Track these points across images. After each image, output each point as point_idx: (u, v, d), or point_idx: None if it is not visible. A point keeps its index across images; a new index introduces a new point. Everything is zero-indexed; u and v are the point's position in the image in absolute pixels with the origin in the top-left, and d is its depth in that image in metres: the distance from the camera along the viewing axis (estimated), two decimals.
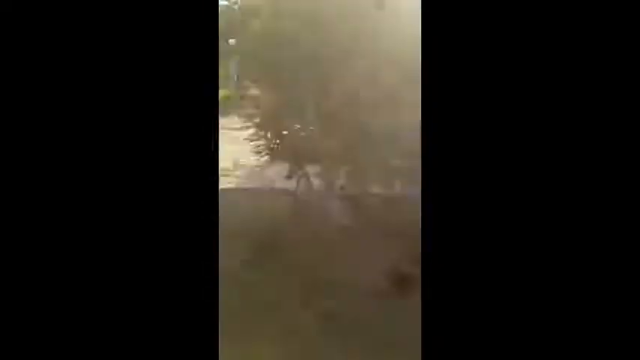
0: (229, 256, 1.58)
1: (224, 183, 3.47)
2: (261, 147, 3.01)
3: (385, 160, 2.66)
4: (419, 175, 0.82)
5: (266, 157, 3.07)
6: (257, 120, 2.96)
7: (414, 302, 1.18)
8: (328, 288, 2.15)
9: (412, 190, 2.26)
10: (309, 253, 2.55)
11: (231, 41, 2.74)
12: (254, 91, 2.98)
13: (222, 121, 4.79)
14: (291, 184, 3.16)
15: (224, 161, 3.73)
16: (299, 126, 2.93)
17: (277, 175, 3.31)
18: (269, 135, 3.00)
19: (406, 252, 1.96)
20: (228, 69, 3.04)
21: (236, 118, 2.70)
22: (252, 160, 3.25)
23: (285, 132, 2.97)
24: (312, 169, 3.01)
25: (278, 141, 2.99)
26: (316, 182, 3.02)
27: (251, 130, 2.99)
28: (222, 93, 2.69)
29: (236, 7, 2.60)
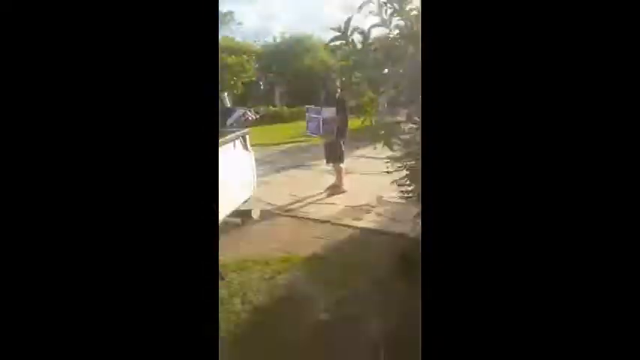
0: None
1: (365, 221, 3.42)
2: (412, 194, 2.51)
3: None
4: None
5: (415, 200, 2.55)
6: (411, 162, 2.44)
7: None
8: None
9: None
10: None
11: (386, 71, 2.36)
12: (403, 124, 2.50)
13: (365, 150, 5.23)
14: None
15: (366, 196, 3.97)
16: None
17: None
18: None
19: None
20: (377, 97, 2.70)
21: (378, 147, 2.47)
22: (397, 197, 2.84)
23: None
24: None
25: None
26: None
27: (402, 173, 2.53)
28: (363, 121, 2.55)
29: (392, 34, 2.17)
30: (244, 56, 14.35)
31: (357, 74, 2.52)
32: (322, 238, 3.18)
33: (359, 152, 6.43)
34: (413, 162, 2.38)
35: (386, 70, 2.38)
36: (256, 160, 6.65)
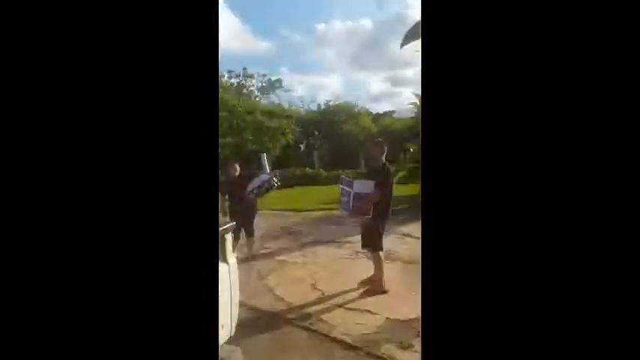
0: None
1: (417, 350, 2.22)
2: None
3: None
4: None
5: None
6: None
7: None
8: None
9: None
10: None
11: None
12: None
13: (412, 227, 4.15)
14: None
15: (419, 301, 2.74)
16: None
17: None
18: None
19: None
20: None
21: None
22: None
23: None
24: None
25: None
26: None
27: None
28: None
29: None
30: (284, 120, 14.46)
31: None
32: None
33: (405, 229, 5.19)
34: None
35: None
36: (280, 229, 5.98)
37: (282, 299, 3.04)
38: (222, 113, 12.18)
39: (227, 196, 3.92)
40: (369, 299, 3.00)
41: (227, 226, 1.84)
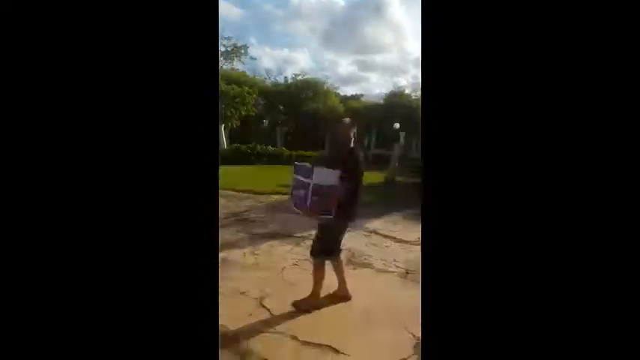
0: None
1: None
2: None
3: None
4: None
5: None
6: None
7: None
8: None
9: None
10: None
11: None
12: None
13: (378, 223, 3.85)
14: None
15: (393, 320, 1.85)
16: None
17: None
18: None
19: None
20: None
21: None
22: None
23: None
24: None
25: None
26: None
27: None
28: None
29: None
30: (246, 88, 13.02)
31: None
32: None
33: (371, 226, 4.49)
34: None
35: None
36: (230, 215, 4.58)
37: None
38: None
39: None
40: (338, 308, 2.22)
41: None
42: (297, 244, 3.66)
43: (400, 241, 4.06)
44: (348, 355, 1.86)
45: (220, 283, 2.65)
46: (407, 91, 22.07)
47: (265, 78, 21.81)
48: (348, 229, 2.36)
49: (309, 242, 3.52)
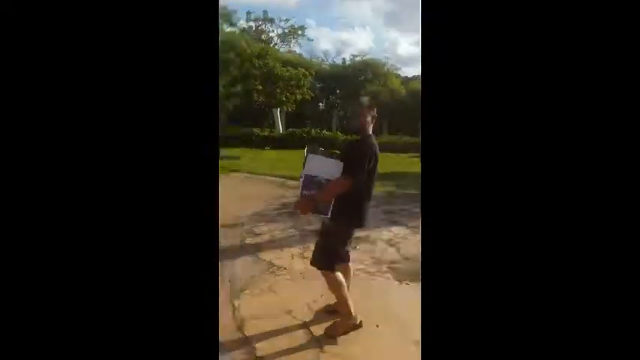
0: None
1: None
2: None
3: None
4: None
5: None
6: None
7: None
8: None
9: None
10: None
11: None
12: None
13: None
14: None
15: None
16: None
17: None
18: None
19: None
20: None
21: None
22: None
23: None
24: None
25: None
26: None
27: None
28: None
29: None
30: (302, 70, 12.52)
31: None
32: None
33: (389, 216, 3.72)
34: None
35: None
36: (280, 206, 4.17)
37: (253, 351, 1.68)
38: (229, 55, 10.43)
39: None
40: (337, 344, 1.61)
41: None
42: (358, 246, 3.06)
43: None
44: None
45: (263, 298, 2.24)
46: None
47: (323, 60, 21.17)
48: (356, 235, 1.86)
49: (373, 246, 2.98)
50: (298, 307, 2.12)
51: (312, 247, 2.94)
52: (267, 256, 2.94)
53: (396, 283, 2.51)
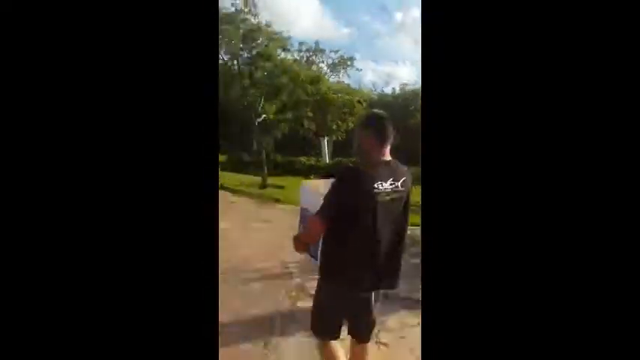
0: None
1: None
2: None
3: None
4: None
5: None
6: None
7: None
8: None
9: None
10: None
11: None
12: None
13: None
14: None
15: None
16: None
17: None
18: None
19: None
20: None
21: None
22: None
23: None
24: None
25: None
26: None
27: None
28: None
29: None
30: (355, 97, 12.00)
31: None
32: None
33: None
34: None
35: None
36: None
37: None
38: (281, 80, 10.17)
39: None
40: None
41: None
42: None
43: None
44: None
45: None
46: None
47: (372, 90, 20.82)
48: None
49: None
50: None
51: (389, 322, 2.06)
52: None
53: None
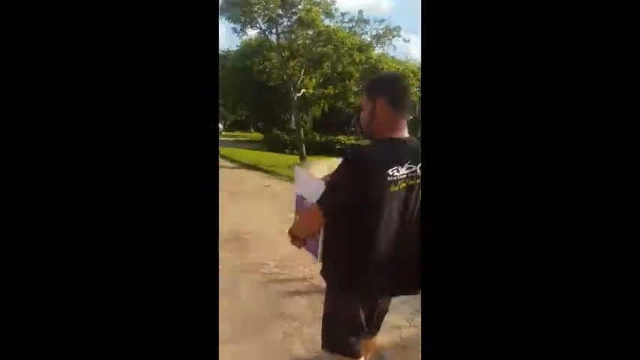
0: None
1: None
2: None
3: None
4: None
5: None
6: None
7: None
8: None
9: None
10: None
11: None
12: None
13: None
14: None
15: None
16: None
17: None
18: None
19: None
20: None
21: None
22: None
23: None
24: None
25: None
26: None
27: None
28: None
29: None
30: (410, 66, 10.60)
31: None
32: None
33: None
34: None
35: None
36: None
37: None
38: (324, 49, 9.03)
39: None
40: None
41: None
42: None
43: None
44: None
45: None
46: None
47: (418, 63, 19.00)
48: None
49: None
50: None
51: None
52: None
53: None
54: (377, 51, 14.53)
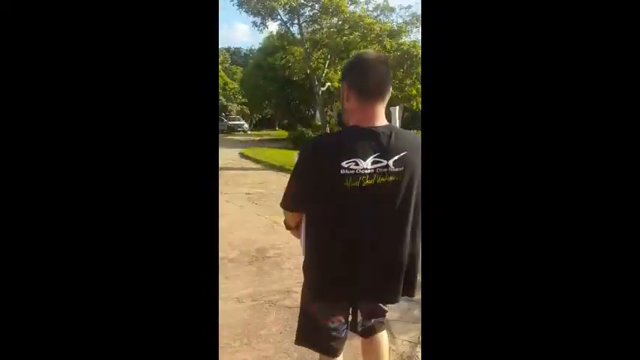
0: None
1: None
2: None
3: None
4: None
5: None
6: None
7: None
8: None
9: None
10: None
11: None
12: None
13: None
14: None
15: None
16: None
17: None
18: None
19: None
20: None
21: None
22: None
23: None
24: None
25: None
26: None
27: None
28: None
29: None
30: None
31: None
32: None
33: None
34: None
35: None
36: None
37: None
38: (350, 37, 8.34)
39: None
40: None
41: None
42: None
43: None
44: None
45: None
46: None
47: None
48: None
49: None
50: None
51: None
52: None
53: None
54: (404, 39, 13.61)
